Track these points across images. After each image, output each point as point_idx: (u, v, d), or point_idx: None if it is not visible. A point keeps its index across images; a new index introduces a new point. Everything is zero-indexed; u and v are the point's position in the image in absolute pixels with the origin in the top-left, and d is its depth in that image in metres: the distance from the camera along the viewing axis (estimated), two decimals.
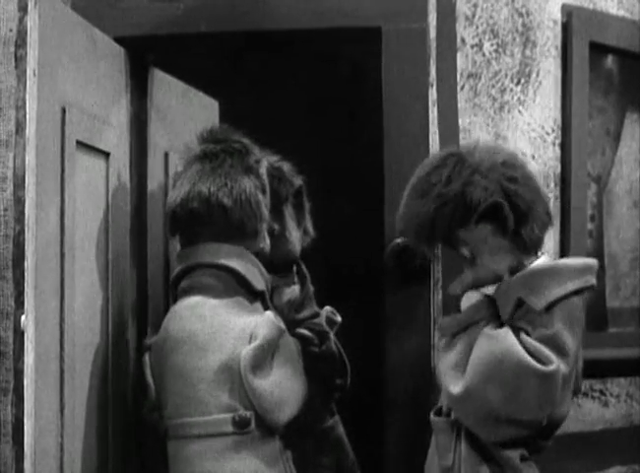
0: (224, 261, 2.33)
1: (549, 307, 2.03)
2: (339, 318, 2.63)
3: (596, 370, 3.02)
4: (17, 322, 2.32)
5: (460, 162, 2.10)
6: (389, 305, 2.62)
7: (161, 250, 2.80)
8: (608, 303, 3.12)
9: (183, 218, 2.36)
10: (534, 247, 2.12)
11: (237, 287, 2.34)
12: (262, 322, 2.27)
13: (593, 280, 2.11)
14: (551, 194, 2.95)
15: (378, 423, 2.64)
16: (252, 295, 2.37)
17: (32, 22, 2.09)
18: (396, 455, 2.58)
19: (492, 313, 2.10)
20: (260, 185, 2.37)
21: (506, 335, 2.03)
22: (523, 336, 2.02)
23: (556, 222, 2.97)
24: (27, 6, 2.12)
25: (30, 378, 2.03)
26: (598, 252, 3.09)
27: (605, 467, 3.05)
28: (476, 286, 2.14)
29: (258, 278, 2.38)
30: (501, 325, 2.07)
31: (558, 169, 2.98)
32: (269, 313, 2.33)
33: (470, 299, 2.15)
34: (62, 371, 2.17)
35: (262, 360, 2.24)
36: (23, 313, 2.07)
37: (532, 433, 2.01)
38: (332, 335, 2.56)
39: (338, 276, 2.83)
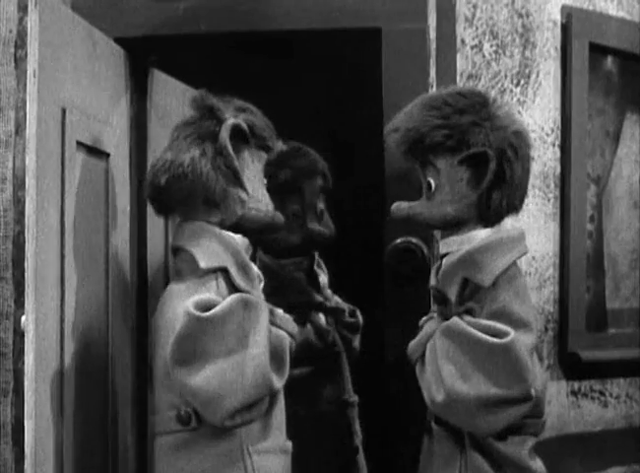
0: (181, 242, 2.22)
1: (494, 282, 2.03)
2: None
3: (595, 370, 3.03)
4: (17, 323, 2.32)
5: (482, 104, 2.10)
6: (389, 306, 2.62)
7: (162, 251, 2.80)
8: (608, 303, 3.12)
9: (156, 206, 2.29)
10: (491, 216, 2.10)
11: (196, 266, 2.18)
12: (178, 315, 2.08)
13: (525, 248, 2.12)
14: (551, 195, 2.96)
15: (378, 422, 2.64)
16: (210, 273, 2.17)
17: (31, 22, 2.09)
18: (395, 451, 2.58)
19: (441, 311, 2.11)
20: (212, 152, 2.19)
21: (456, 324, 2.02)
22: (469, 318, 2.02)
23: (556, 223, 2.98)
24: (27, 7, 2.12)
25: (30, 379, 2.02)
26: (597, 253, 3.09)
27: (604, 468, 3.06)
28: (419, 220, 2.14)
29: (213, 254, 2.18)
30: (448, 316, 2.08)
31: (558, 170, 2.98)
32: (191, 300, 2.09)
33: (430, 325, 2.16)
34: (62, 372, 2.17)
35: (188, 354, 2.06)
36: (23, 314, 2.07)
37: (529, 407, 1.99)
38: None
39: (337, 276, 2.82)
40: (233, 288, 2.16)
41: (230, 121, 2.22)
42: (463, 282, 2.05)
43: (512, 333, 1.97)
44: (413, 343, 2.15)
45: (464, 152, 2.05)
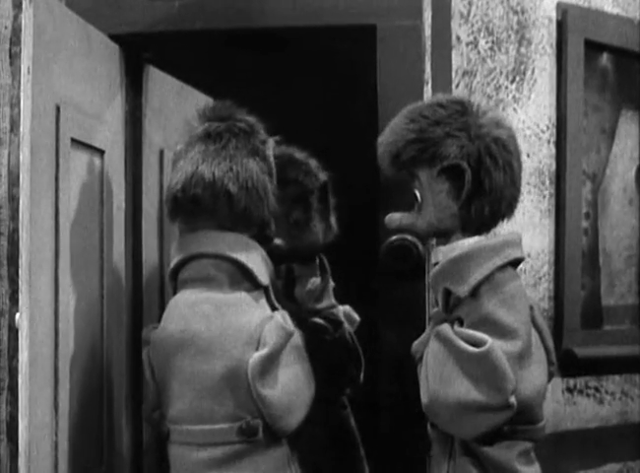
0: (227, 252, 2.19)
1: (475, 291, 2.01)
2: (357, 317, 2.63)
3: (591, 367, 3.03)
4: (11, 320, 2.31)
5: (460, 113, 2.08)
6: (384, 304, 2.62)
7: (156, 247, 2.80)
8: (603, 300, 3.12)
9: (185, 204, 2.20)
10: (475, 225, 2.09)
11: (242, 279, 2.20)
12: (271, 328, 2.14)
13: (516, 253, 2.08)
14: (546, 192, 2.96)
15: (372, 421, 2.64)
16: (256, 289, 2.22)
17: (26, 19, 2.09)
18: (391, 451, 2.58)
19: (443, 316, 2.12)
20: (267, 168, 2.24)
21: (444, 330, 2.03)
22: (456, 328, 2.02)
23: (551, 220, 2.98)
24: (21, 3, 2.12)
25: (24, 376, 2.03)
26: (592, 250, 3.09)
27: (600, 464, 3.06)
28: (411, 231, 2.17)
29: (263, 271, 2.23)
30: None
31: (553, 167, 2.98)
32: (278, 316, 2.19)
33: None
34: (56, 369, 2.17)
35: (270, 367, 2.13)
36: (17, 311, 2.07)
37: (508, 416, 1.99)
38: (347, 327, 2.56)
39: (332, 274, 2.83)
40: (270, 303, 2.26)
41: (272, 142, 2.28)
42: (446, 292, 2.06)
43: (489, 342, 1.96)
44: (416, 343, 2.17)
45: (438, 165, 2.06)
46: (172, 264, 2.26)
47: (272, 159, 2.26)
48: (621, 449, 3.11)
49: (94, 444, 2.40)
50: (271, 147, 2.27)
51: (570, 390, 3.02)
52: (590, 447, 3.04)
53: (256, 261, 2.23)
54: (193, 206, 2.20)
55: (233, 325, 2.14)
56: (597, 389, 3.08)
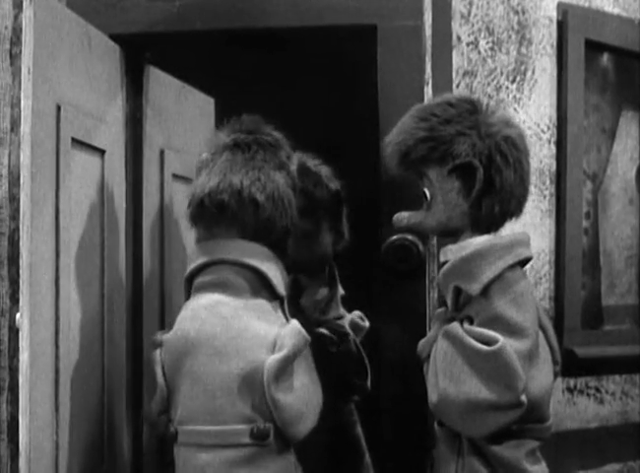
0: (249, 260, 2.20)
1: (486, 290, 2.03)
2: (367, 324, 2.63)
3: (591, 367, 3.04)
4: (12, 320, 2.31)
5: (471, 112, 2.09)
6: (385, 303, 2.62)
7: (157, 248, 2.80)
8: (604, 300, 3.13)
9: (210, 209, 2.20)
10: (485, 223, 2.10)
11: (260, 288, 2.21)
12: (289, 331, 2.14)
13: (525, 252, 2.10)
14: (547, 192, 2.96)
15: (374, 421, 2.64)
16: (274, 299, 2.23)
17: (26, 19, 2.09)
18: (392, 452, 2.58)
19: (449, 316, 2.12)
20: (291, 183, 2.27)
21: (454, 328, 2.04)
22: (467, 326, 2.03)
23: (551, 219, 2.98)
24: (22, 3, 2.12)
25: (25, 376, 2.03)
26: (593, 250, 3.09)
27: (600, 464, 3.06)
28: (419, 229, 2.18)
29: (281, 282, 2.25)
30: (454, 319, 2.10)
31: (554, 167, 2.98)
32: (296, 322, 2.18)
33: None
34: (57, 369, 2.17)
35: (285, 371, 2.11)
36: (18, 311, 2.07)
37: (518, 414, 2.00)
38: (352, 337, 2.56)
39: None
40: (285, 314, 2.25)
41: (296, 158, 2.30)
42: (456, 290, 2.06)
43: (500, 340, 1.97)
44: (422, 342, 2.18)
45: (450, 163, 2.06)
46: (190, 268, 2.24)
47: (295, 174, 2.29)
48: (622, 449, 3.12)
49: (94, 445, 2.40)
50: (295, 162, 2.30)
51: (570, 390, 3.02)
52: (590, 447, 3.05)
53: (275, 272, 2.23)
54: (218, 212, 2.21)
55: (251, 328, 2.13)
56: (597, 389, 3.08)
